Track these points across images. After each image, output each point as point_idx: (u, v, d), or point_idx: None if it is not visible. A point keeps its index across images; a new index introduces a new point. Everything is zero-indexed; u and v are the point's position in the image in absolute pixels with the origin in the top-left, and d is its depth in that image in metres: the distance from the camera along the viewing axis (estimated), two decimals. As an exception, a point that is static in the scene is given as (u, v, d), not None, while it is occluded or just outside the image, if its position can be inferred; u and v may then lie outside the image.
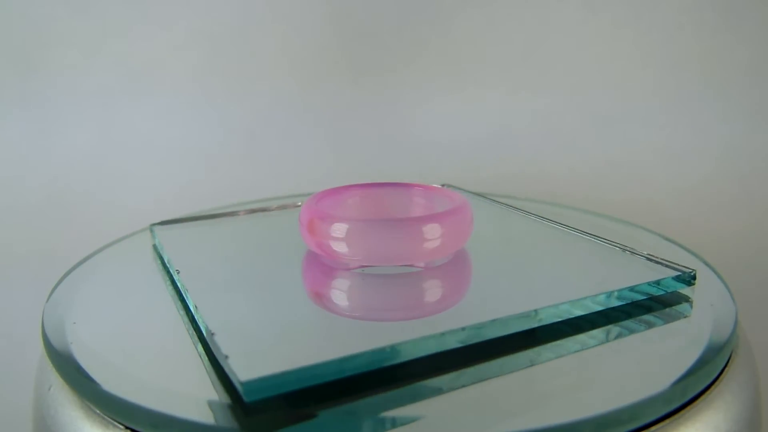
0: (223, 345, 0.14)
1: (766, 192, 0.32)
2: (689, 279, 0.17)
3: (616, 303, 0.16)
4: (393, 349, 0.13)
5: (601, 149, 0.33)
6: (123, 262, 0.21)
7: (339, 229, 0.17)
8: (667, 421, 0.13)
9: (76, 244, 0.26)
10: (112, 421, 0.13)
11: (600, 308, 0.16)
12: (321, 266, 0.19)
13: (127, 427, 0.13)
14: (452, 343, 0.14)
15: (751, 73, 0.32)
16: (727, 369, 0.15)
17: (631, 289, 0.16)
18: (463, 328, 0.14)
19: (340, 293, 0.18)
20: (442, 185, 0.28)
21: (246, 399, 0.12)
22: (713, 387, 0.14)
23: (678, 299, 0.17)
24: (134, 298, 0.18)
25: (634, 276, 0.17)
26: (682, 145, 0.33)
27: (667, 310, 0.17)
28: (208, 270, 0.20)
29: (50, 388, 0.15)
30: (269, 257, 0.21)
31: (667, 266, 0.18)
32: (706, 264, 0.20)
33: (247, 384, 0.12)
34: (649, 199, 0.33)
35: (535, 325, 0.15)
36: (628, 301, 0.16)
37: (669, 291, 0.17)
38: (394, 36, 0.33)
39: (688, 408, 0.13)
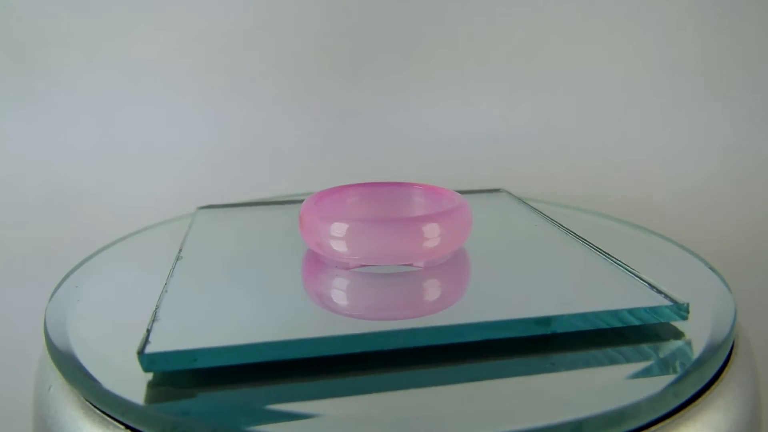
0: (163, 320, 0.15)
1: (766, 192, 0.32)
2: (683, 312, 0.15)
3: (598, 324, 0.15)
4: (290, 343, 0.14)
5: (601, 149, 0.33)
6: (125, 261, 0.21)
7: (338, 228, 0.17)
8: (667, 421, 0.13)
9: (75, 244, 0.26)
10: (113, 421, 0.13)
11: (588, 326, 0.15)
12: (312, 263, 0.19)
13: (127, 427, 0.13)
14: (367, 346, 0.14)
15: (751, 73, 0.32)
16: (727, 369, 0.15)
17: (616, 313, 0.15)
18: (369, 333, 0.14)
19: (322, 289, 0.18)
20: (497, 189, 0.27)
21: (144, 369, 0.13)
22: (713, 387, 0.14)
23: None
24: (140, 296, 0.18)
25: (626, 299, 0.16)
26: (682, 145, 0.33)
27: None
28: (211, 258, 0.20)
29: (50, 388, 0.15)
30: (274, 249, 0.21)
31: (665, 296, 0.16)
32: (706, 264, 0.20)
33: (143, 356, 0.13)
34: (649, 199, 0.33)
35: (460, 340, 0.15)
36: (613, 324, 0.15)
37: (659, 321, 0.15)
38: (395, 36, 0.33)
39: (688, 408, 0.13)
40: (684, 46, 0.32)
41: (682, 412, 0.13)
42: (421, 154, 0.34)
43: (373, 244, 0.17)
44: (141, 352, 0.13)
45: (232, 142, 0.34)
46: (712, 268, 0.19)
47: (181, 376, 0.14)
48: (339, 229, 0.17)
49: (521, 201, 0.25)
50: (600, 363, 0.14)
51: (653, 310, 0.15)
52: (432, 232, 0.17)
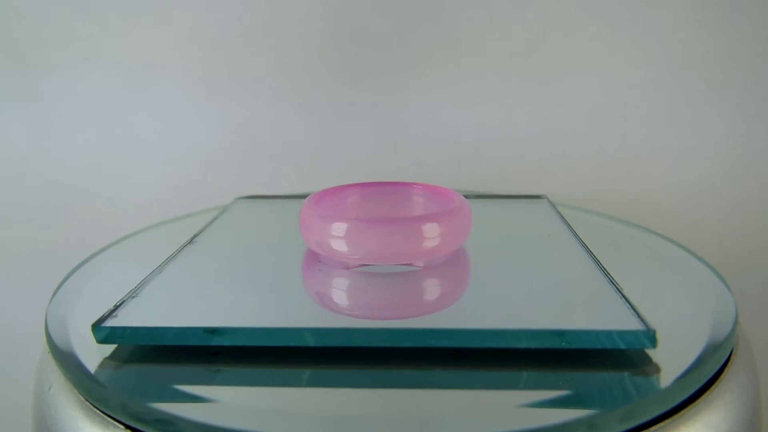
0: (142, 300, 0.15)
1: (766, 192, 0.32)
2: (650, 339, 0.14)
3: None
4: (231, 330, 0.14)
5: (600, 148, 0.33)
6: (126, 261, 0.21)
7: (338, 228, 0.17)
8: (667, 421, 0.13)
9: (75, 244, 0.26)
10: (113, 421, 0.13)
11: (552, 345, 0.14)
12: (312, 262, 0.19)
13: (127, 427, 0.13)
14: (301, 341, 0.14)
15: (751, 73, 0.32)
16: (727, 369, 0.15)
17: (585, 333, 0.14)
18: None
19: (318, 286, 0.18)
20: (539, 196, 0.27)
21: (96, 340, 0.14)
22: (713, 387, 0.14)
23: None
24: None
25: (597, 320, 0.15)
26: (682, 145, 0.33)
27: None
28: (222, 247, 0.20)
29: (50, 388, 0.15)
30: (289, 244, 0.21)
31: (639, 319, 0.15)
32: (706, 264, 0.20)
33: (96, 329, 0.14)
34: (649, 198, 0.33)
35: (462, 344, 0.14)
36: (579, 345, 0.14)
37: (621, 347, 0.14)
38: (395, 35, 0.33)
39: (688, 408, 0.13)
40: (684, 46, 0.32)
41: (682, 412, 0.13)
42: (421, 154, 0.34)
43: (373, 244, 0.17)
44: (96, 325, 0.14)
45: (232, 141, 0.34)
46: (712, 268, 0.19)
47: (183, 375, 0.14)
48: (339, 228, 0.17)
49: (554, 208, 0.25)
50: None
51: (625, 334, 0.14)
52: (432, 232, 0.17)
